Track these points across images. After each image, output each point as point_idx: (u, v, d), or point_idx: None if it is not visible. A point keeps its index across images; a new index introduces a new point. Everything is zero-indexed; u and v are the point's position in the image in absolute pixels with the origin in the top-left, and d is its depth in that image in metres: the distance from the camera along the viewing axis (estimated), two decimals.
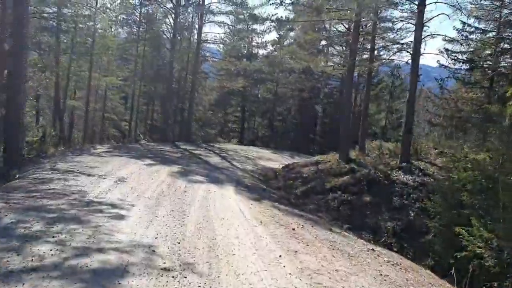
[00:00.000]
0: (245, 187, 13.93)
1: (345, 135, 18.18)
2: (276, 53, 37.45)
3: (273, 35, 42.20)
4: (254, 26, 38.14)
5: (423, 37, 16.35)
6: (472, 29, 22.67)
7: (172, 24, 29.60)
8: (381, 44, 21.56)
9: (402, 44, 19.95)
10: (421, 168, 14.66)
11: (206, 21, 30.31)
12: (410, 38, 19.78)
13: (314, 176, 16.16)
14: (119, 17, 30.26)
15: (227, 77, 35.22)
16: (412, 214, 11.30)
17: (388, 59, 21.66)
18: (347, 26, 24.67)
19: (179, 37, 31.18)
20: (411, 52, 16.35)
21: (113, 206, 8.77)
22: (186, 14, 31.16)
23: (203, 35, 30.77)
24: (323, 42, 39.82)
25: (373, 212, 11.77)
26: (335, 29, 29.15)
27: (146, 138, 32.66)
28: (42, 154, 17.39)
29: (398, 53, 21.08)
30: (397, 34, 20.99)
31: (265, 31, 39.91)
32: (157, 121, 37.36)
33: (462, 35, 21.16)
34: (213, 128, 41.08)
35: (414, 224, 11.04)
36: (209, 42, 31.32)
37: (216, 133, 38.76)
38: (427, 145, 20.62)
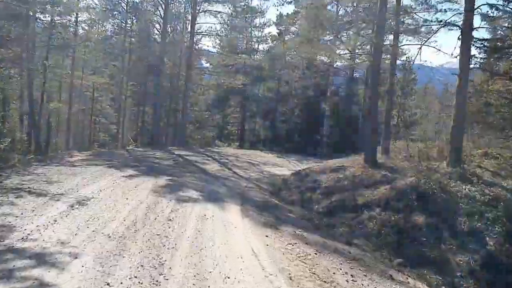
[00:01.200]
0: (254, 205, 10.66)
1: (373, 134, 14.84)
2: (278, 45, 34.18)
3: (273, 29, 38.74)
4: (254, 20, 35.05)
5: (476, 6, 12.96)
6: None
7: (162, 14, 26.28)
8: (409, 21, 18.12)
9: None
10: (478, 174, 11.40)
11: (200, 11, 27.03)
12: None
13: (337, 186, 12.87)
14: (103, 8, 26.96)
15: (225, 74, 31.89)
16: (491, 243, 8.03)
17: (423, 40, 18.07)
18: None
19: (170, 28, 27.90)
20: (461, 27, 13.00)
21: (40, 259, 5.41)
22: (178, 3, 27.91)
23: (197, 26, 27.53)
24: (328, 37, 36.72)
25: (432, 238, 8.51)
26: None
27: (135, 143, 29.29)
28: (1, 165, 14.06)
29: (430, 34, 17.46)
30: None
31: (265, 24, 36.70)
32: (149, 124, 34.03)
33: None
34: (210, 130, 37.77)
35: (498, 257, 7.77)
36: (204, 34, 28.07)
37: (214, 136, 35.46)
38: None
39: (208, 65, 34.72)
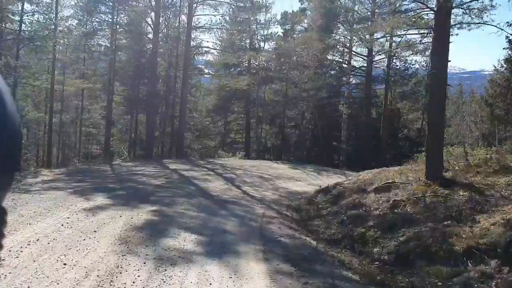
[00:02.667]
0: (283, 253, 6.71)
1: (437, 140, 10.75)
2: (288, 41, 30.30)
3: (279, 29, 34.91)
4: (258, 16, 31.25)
5: None
6: None
7: (154, 4, 22.43)
8: None
9: None
10: None
11: (199, 1, 23.18)
12: None
13: (400, 215, 8.88)
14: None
15: (227, 75, 27.98)
16: None
17: None
18: None
19: (164, 23, 24.06)
20: None
21: None
22: None
23: (194, 19, 23.67)
24: (341, 33, 32.90)
25: None
26: None
27: (124, 155, 25.34)
28: None
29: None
30: None
31: (271, 20, 32.88)
32: (143, 134, 30.11)
33: None
34: (212, 139, 33.82)
35: None
36: (203, 29, 24.15)
37: (217, 145, 31.49)
38: None
39: (207, 65, 30.82)
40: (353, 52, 31.11)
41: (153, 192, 11.31)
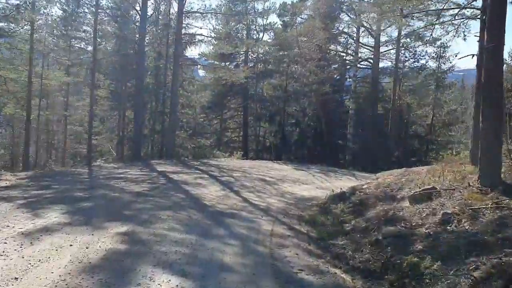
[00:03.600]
0: None
1: (494, 133, 8.34)
2: (290, 31, 27.92)
3: (277, 19, 32.42)
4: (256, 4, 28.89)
5: None
6: None
7: None
8: None
9: None
10: None
11: None
12: None
13: (460, 232, 6.56)
14: None
15: (222, 67, 25.55)
16: None
17: None
18: None
19: (152, 6, 21.64)
20: None
21: None
22: None
23: (187, 3, 21.21)
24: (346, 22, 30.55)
25: None
26: None
27: (110, 156, 22.94)
28: None
29: None
30: None
31: (270, 9, 30.45)
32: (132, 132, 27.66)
33: None
34: (207, 138, 31.36)
35: None
36: (196, 14, 21.65)
37: (212, 145, 29.07)
38: None
39: (201, 58, 28.40)
40: (360, 44, 28.78)
41: (130, 203, 8.92)
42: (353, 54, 28.59)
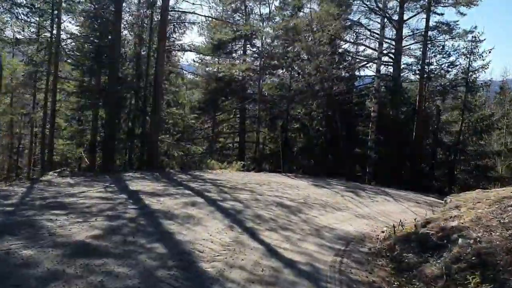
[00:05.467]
0: None
1: None
2: (296, 19, 23.30)
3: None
4: None
5: None
6: None
7: None
8: None
9: None
10: None
11: None
12: None
13: None
14: None
15: (216, 59, 20.74)
16: None
17: None
18: None
19: None
20: None
21: None
22: None
23: None
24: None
25: None
26: None
27: (68, 168, 18.07)
28: None
29: None
30: None
31: None
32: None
33: None
34: (197, 143, 26.48)
35: None
36: None
37: (204, 152, 24.21)
38: None
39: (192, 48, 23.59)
40: (380, 36, 24.28)
41: (45, 282, 4.12)
42: (378, 45, 24.03)
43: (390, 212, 12.20)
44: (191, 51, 18.85)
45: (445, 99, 25.88)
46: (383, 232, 9.74)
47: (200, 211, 8.54)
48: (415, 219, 9.64)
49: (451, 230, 7.32)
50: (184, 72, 21.88)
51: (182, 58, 22.32)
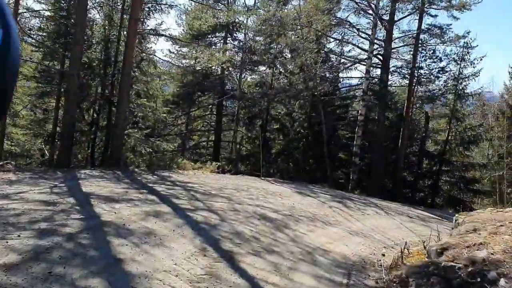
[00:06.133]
0: None
1: None
2: (282, 12, 21.60)
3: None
4: None
5: None
6: None
7: None
8: None
9: None
10: None
11: None
12: None
13: None
14: None
15: (197, 49, 18.81)
16: None
17: None
18: None
19: None
20: None
21: None
22: None
23: None
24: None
25: None
26: None
27: (9, 161, 15.94)
28: None
29: None
30: None
31: None
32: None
33: None
34: (169, 140, 24.49)
35: None
36: None
37: (176, 150, 22.24)
38: None
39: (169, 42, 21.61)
40: (367, 36, 22.88)
41: None
42: (363, 48, 22.63)
43: (384, 228, 10.73)
44: (166, 36, 16.84)
45: (434, 106, 24.74)
46: (383, 255, 8.21)
47: (165, 225, 6.72)
48: (423, 242, 8.15)
49: (483, 264, 5.74)
50: (159, 60, 19.85)
51: (155, 43, 20.21)
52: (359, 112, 20.06)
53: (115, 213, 7.07)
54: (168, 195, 9.51)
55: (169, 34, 16.60)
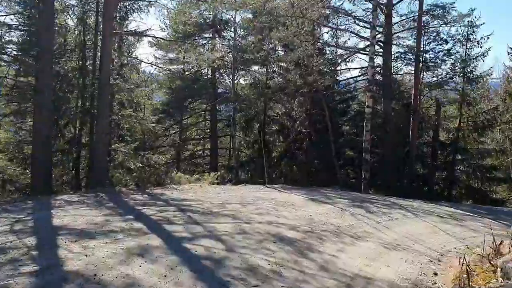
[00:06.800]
0: None
1: None
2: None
3: None
4: None
5: None
6: None
7: None
8: None
9: None
10: None
11: None
12: None
13: None
14: None
15: (184, 50, 16.99)
16: None
17: None
18: None
19: None
20: None
21: None
22: None
23: None
24: None
25: None
26: None
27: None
28: None
29: None
30: None
31: None
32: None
33: None
34: (163, 152, 22.62)
35: None
36: None
37: (169, 162, 20.39)
38: None
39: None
40: (365, 21, 21.20)
41: None
42: (363, 35, 20.91)
43: (420, 234, 9.05)
44: (148, 36, 15.02)
45: (443, 93, 23.03)
46: (435, 274, 6.52)
47: (153, 269, 4.93)
48: (487, 256, 6.41)
49: None
50: (143, 66, 18.05)
51: (137, 47, 18.43)
52: (366, 103, 18.28)
53: (87, 256, 5.27)
54: (160, 220, 7.71)
55: (152, 35, 14.76)
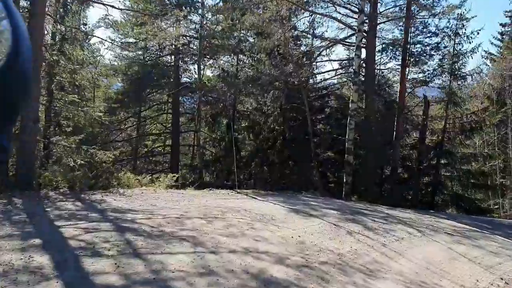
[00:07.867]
0: None
1: None
2: None
3: None
4: None
5: None
6: None
7: None
8: None
9: None
10: None
11: None
12: None
13: None
14: None
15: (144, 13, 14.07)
16: None
17: None
18: None
19: None
20: None
21: None
22: None
23: None
24: None
25: None
26: None
27: None
28: None
29: None
30: None
31: None
32: None
33: None
34: (118, 148, 19.63)
35: None
36: None
37: (123, 160, 17.46)
38: None
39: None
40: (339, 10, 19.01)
41: None
42: (345, 22, 18.70)
43: (439, 263, 6.99)
44: (99, 3, 11.98)
45: (428, 90, 21.19)
46: None
47: None
48: None
49: None
50: (94, 44, 15.08)
51: (84, 14, 15.41)
52: (351, 99, 16.02)
53: None
54: (81, 248, 5.05)
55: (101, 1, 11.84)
